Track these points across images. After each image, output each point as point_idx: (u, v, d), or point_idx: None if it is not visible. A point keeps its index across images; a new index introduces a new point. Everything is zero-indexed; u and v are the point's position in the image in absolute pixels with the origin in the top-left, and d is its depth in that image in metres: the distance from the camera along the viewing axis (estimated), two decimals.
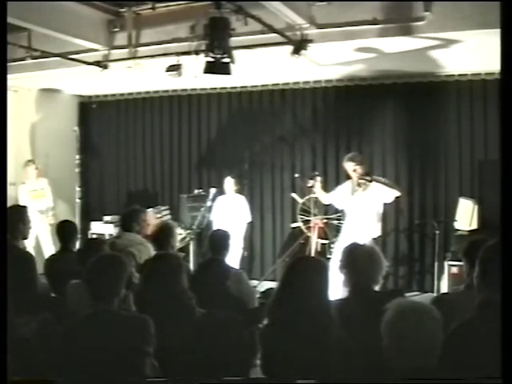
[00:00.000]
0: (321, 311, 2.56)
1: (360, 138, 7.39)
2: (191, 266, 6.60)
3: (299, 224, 7.10)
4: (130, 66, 6.20)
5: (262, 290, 6.42)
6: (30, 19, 5.33)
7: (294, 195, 7.28)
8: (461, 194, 6.75)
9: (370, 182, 5.61)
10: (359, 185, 5.65)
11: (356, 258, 3.02)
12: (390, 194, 5.69)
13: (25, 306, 3.34)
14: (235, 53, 4.68)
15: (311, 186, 6.00)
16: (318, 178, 5.94)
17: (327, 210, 6.98)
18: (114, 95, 8.73)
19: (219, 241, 4.20)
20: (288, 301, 2.59)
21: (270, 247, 7.97)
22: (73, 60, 6.17)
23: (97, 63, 6.24)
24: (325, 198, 6.10)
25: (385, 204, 5.85)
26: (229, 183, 7.15)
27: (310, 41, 5.21)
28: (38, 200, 7.40)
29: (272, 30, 5.01)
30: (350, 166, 5.75)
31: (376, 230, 5.72)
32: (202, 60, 4.75)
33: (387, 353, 2.06)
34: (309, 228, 6.93)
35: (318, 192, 6.05)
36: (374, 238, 5.61)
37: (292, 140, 7.77)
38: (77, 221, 6.84)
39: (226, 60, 4.63)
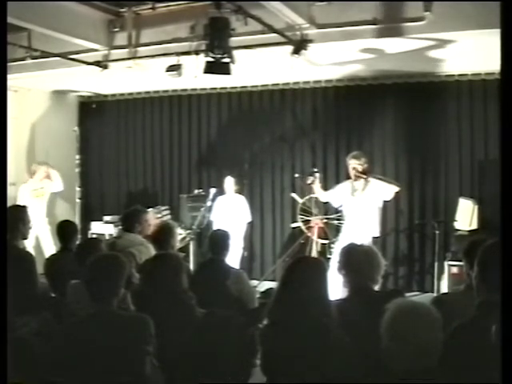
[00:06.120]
0: (321, 311, 2.56)
1: (360, 138, 7.38)
2: (191, 266, 6.60)
3: (299, 224, 7.09)
4: (130, 66, 6.20)
5: (262, 290, 6.42)
6: (30, 19, 5.34)
7: (294, 195, 7.27)
8: (461, 194, 6.75)
9: (366, 179, 5.62)
10: (357, 179, 5.66)
11: (353, 258, 3.02)
12: (390, 190, 5.70)
13: (25, 305, 3.34)
14: (235, 53, 4.68)
15: (310, 183, 6.01)
16: (317, 175, 5.94)
17: (327, 210, 6.98)
18: (114, 95, 8.74)
19: (219, 241, 4.20)
20: (288, 301, 2.59)
21: (269, 247, 7.97)
22: (73, 60, 6.17)
23: (97, 63, 6.24)
24: (323, 195, 6.11)
25: (385, 202, 5.86)
26: (229, 183, 7.15)
27: (310, 41, 5.21)
28: (38, 199, 7.40)
29: (272, 29, 5.01)
30: (351, 164, 5.75)
31: (376, 230, 5.72)
32: (202, 60, 4.76)
33: (387, 353, 2.06)
34: (309, 228, 6.92)
35: (317, 189, 6.05)
36: (375, 237, 5.62)
37: (292, 140, 7.77)
38: (77, 221, 6.84)
39: (226, 60, 4.63)
